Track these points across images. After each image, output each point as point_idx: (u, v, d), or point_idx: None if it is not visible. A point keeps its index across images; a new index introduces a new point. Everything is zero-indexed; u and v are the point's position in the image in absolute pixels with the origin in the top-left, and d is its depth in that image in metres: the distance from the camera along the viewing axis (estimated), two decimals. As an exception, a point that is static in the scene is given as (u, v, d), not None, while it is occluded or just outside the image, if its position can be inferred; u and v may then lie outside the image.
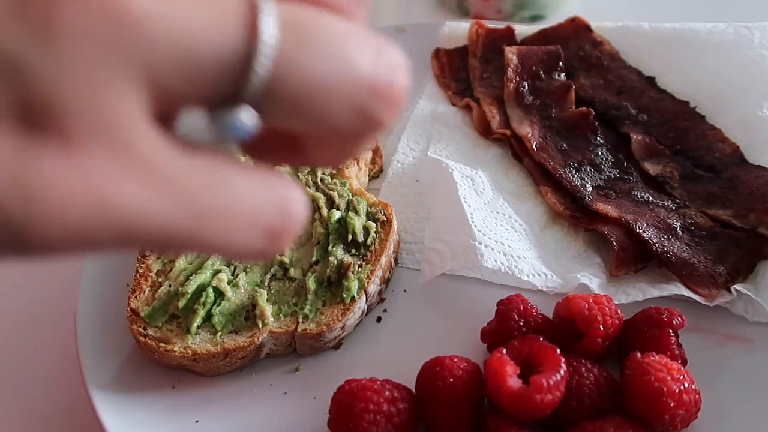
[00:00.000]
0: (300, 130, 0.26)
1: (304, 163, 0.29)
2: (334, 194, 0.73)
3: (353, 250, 0.69)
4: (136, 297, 0.66)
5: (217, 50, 0.21)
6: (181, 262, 0.68)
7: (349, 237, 0.69)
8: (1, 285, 0.77)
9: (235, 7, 0.22)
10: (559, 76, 0.88)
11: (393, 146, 0.85)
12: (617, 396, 0.57)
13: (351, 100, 0.24)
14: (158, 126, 0.22)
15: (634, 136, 0.80)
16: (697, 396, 0.56)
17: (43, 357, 0.70)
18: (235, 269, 0.69)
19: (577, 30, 0.93)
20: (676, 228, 0.70)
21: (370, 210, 0.73)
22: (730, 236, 0.69)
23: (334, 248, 0.69)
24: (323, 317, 0.65)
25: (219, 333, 0.64)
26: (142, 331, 0.64)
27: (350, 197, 0.73)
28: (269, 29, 0.22)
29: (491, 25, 0.96)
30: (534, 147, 0.80)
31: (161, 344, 0.63)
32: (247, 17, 0.22)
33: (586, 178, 0.77)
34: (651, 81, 0.87)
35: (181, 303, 0.65)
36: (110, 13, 0.20)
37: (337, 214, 0.71)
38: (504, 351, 0.57)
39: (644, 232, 0.69)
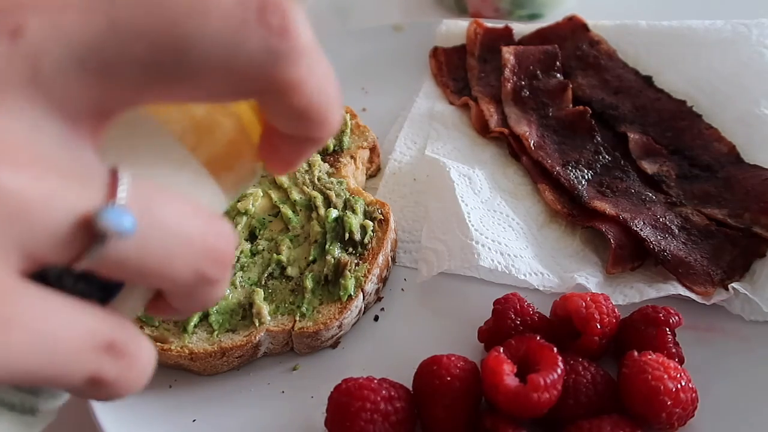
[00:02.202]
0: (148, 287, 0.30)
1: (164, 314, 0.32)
2: (332, 193, 0.73)
3: (350, 249, 0.69)
4: (133, 296, 0.66)
5: (71, 222, 0.24)
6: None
7: (346, 236, 0.69)
8: None
9: (91, 189, 0.25)
10: (556, 75, 0.88)
11: (390, 145, 0.85)
12: (614, 394, 0.57)
13: (189, 264, 0.28)
14: (27, 279, 0.24)
15: (631, 136, 0.81)
16: (693, 394, 0.56)
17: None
18: (232, 268, 0.69)
19: (574, 29, 0.93)
20: (673, 226, 0.71)
21: (367, 209, 0.73)
22: (726, 235, 0.70)
23: (331, 247, 0.69)
24: (320, 316, 0.65)
25: (216, 332, 0.64)
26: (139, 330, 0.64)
27: (347, 196, 0.73)
28: (119, 215, 0.25)
29: (489, 24, 0.96)
30: (531, 145, 0.80)
31: (158, 343, 0.63)
32: (103, 194, 0.25)
33: (583, 177, 0.77)
34: (648, 80, 0.87)
35: (178, 302, 0.64)
36: None
37: (334, 213, 0.71)
38: (501, 350, 0.57)
39: (641, 230, 0.69)
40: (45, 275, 0.25)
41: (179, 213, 0.27)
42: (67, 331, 0.25)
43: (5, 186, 0.23)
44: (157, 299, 0.31)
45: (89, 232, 0.24)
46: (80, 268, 0.25)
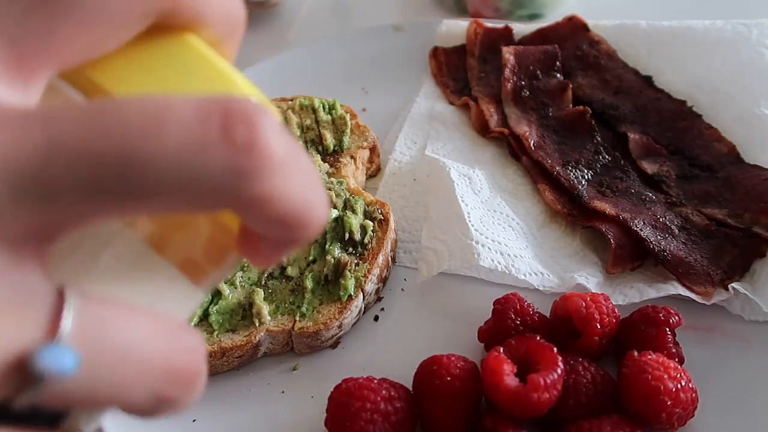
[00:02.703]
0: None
1: None
2: (332, 193, 0.73)
3: (350, 249, 0.69)
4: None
5: (4, 363, 0.22)
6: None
7: (347, 236, 0.69)
8: None
9: (31, 321, 0.23)
10: (556, 75, 0.88)
11: (390, 145, 0.85)
12: (614, 394, 0.57)
13: (147, 387, 0.26)
14: None
15: (632, 136, 0.81)
16: (693, 394, 0.56)
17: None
18: (232, 268, 0.69)
19: (574, 29, 0.93)
20: (673, 226, 0.71)
21: (367, 209, 0.73)
22: (726, 235, 0.70)
23: (331, 247, 0.69)
24: (320, 316, 0.65)
25: (216, 332, 0.64)
26: None
27: (347, 196, 0.73)
28: (58, 355, 0.23)
29: (489, 24, 0.96)
30: (532, 145, 0.80)
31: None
32: (44, 326, 0.23)
33: (583, 177, 0.77)
34: (648, 80, 0.87)
35: (178, 302, 0.64)
36: None
37: (334, 213, 0.71)
38: (501, 350, 0.57)
39: (641, 230, 0.69)
40: None
41: (137, 334, 0.25)
42: None
43: None
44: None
45: (25, 373, 0.23)
46: (18, 406, 0.24)
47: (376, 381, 0.57)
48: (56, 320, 0.23)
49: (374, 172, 0.84)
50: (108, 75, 0.29)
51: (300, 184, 0.26)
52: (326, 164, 0.78)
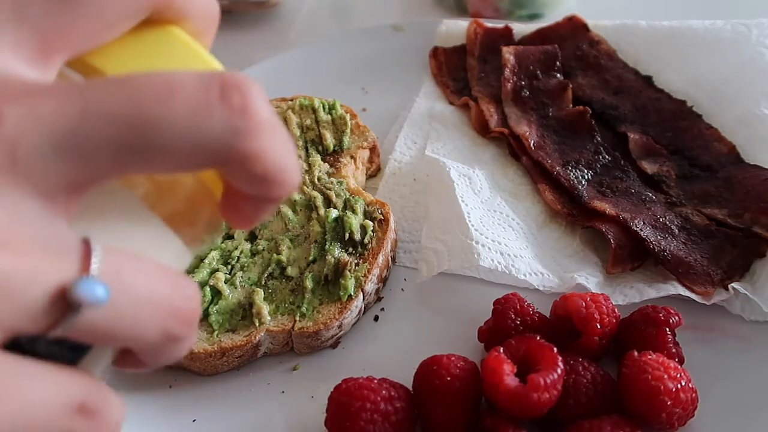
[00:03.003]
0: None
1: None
2: (332, 193, 0.73)
3: (350, 249, 0.69)
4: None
5: (47, 295, 0.26)
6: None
7: (346, 236, 0.69)
8: None
9: (66, 262, 0.26)
10: (556, 75, 0.88)
11: (390, 145, 0.85)
12: (614, 394, 0.57)
13: (158, 324, 0.29)
14: (2, 351, 0.26)
15: (632, 136, 0.81)
16: (693, 394, 0.56)
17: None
18: (232, 268, 0.69)
19: (574, 29, 0.93)
20: (673, 226, 0.71)
21: (367, 209, 0.73)
22: (726, 235, 0.70)
23: (331, 247, 0.69)
24: (320, 315, 0.65)
25: (216, 332, 0.64)
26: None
27: (347, 196, 0.73)
28: (92, 286, 0.26)
29: (489, 24, 0.96)
30: (532, 145, 0.80)
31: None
32: (77, 266, 0.27)
33: (583, 177, 0.77)
34: (648, 80, 0.87)
35: (178, 302, 0.64)
36: None
37: (334, 213, 0.71)
38: (501, 350, 0.57)
39: (641, 230, 0.69)
40: (17, 340, 0.27)
41: (148, 278, 0.29)
42: (42, 399, 0.27)
43: None
44: (124, 354, 0.33)
45: (64, 304, 0.26)
46: (54, 336, 0.27)
47: (376, 381, 0.57)
48: (86, 261, 0.27)
49: (374, 172, 0.84)
50: (106, 61, 0.33)
51: (281, 146, 0.31)
52: (326, 164, 0.78)
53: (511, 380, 0.55)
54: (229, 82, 0.29)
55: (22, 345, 0.27)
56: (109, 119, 0.27)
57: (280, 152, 0.31)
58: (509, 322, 0.62)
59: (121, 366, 0.34)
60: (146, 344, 0.30)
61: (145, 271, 0.29)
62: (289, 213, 0.72)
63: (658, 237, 0.69)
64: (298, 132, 0.81)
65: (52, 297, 0.26)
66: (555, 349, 0.56)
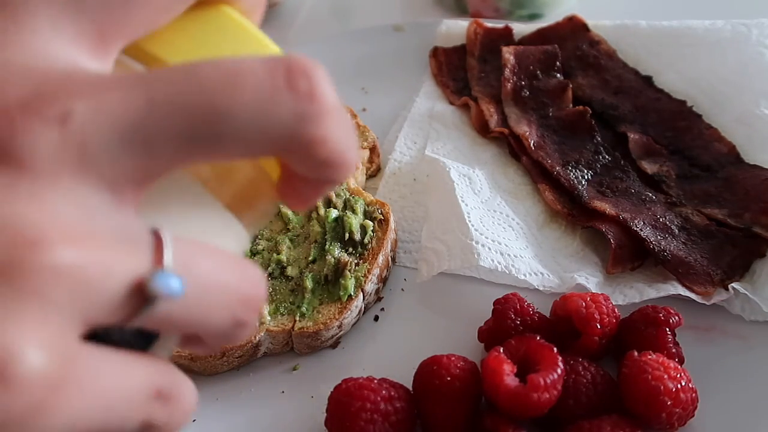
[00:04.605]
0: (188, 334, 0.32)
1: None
2: (331, 193, 0.73)
3: (350, 249, 0.69)
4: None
5: (125, 288, 0.26)
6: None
7: (346, 235, 0.69)
8: None
9: (139, 254, 0.26)
10: (556, 75, 0.88)
11: (390, 145, 0.85)
12: (614, 394, 0.57)
13: (228, 311, 0.30)
14: (84, 342, 0.26)
15: (631, 136, 0.81)
16: (694, 394, 0.56)
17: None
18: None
19: (574, 29, 0.93)
20: (673, 226, 0.71)
21: (367, 209, 0.73)
22: (726, 235, 0.70)
23: (331, 247, 0.69)
24: (320, 315, 0.65)
25: (216, 332, 0.64)
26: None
27: (347, 196, 0.73)
28: (168, 279, 0.27)
29: (489, 24, 0.96)
30: (532, 145, 0.80)
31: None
32: (150, 258, 0.27)
33: (583, 177, 0.77)
34: (648, 80, 0.87)
35: (178, 302, 0.65)
36: (51, 272, 0.24)
37: (334, 213, 0.71)
38: (501, 350, 0.57)
39: (641, 230, 0.69)
40: (93, 330, 0.27)
41: (217, 267, 0.29)
42: (122, 386, 0.27)
43: (66, 263, 0.24)
44: (190, 338, 0.33)
45: (141, 296, 0.26)
46: (131, 327, 0.27)
47: (376, 381, 0.57)
48: (159, 254, 0.27)
49: (374, 172, 0.84)
50: (163, 46, 0.32)
51: (345, 129, 0.30)
52: (326, 164, 0.78)
53: (511, 380, 0.55)
54: (295, 67, 0.28)
55: (97, 334, 0.27)
56: (176, 110, 0.27)
57: (344, 135, 0.30)
58: (509, 322, 0.62)
59: (186, 348, 0.34)
60: (216, 330, 0.30)
61: (214, 260, 0.29)
62: (289, 213, 0.72)
63: (658, 237, 0.69)
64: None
65: (129, 290, 0.26)
66: (555, 349, 0.56)
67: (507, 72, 0.88)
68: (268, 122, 0.28)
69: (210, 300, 0.29)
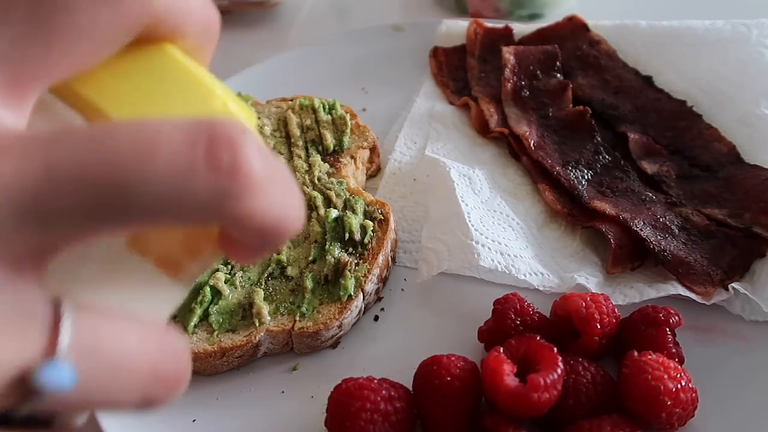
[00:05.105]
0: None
1: None
2: (331, 193, 0.73)
3: (350, 249, 0.69)
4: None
5: (8, 378, 0.24)
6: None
7: (346, 236, 0.69)
8: None
9: (31, 338, 0.24)
10: (556, 75, 0.88)
11: (390, 145, 0.85)
12: (614, 394, 0.57)
13: (137, 390, 0.27)
14: None
15: (632, 136, 0.81)
16: (693, 394, 0.56)
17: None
18: (232, 268, 0.69)
19: (574, 29, 0.93)
20: (673, 226, 0.71)
21: (367, 209, 0.73)
22: (726, 235, 0.70)
23: (331, 247, 0.69)
24: (320, 316, 0.65)
25: (216, 332, 0.64)
26: None
27: (347, 196, 0.73)
28: (58, 371, 0.24)
29: (489, 24, 0.96)
30: (532, 145, 0.80)
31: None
32: (43, 342, 0.24)
33: (583, 177, 0.77)
34: (648, 80, 0.88)
35: (178, 302, 0.64)
36: None
37: (334, 213, 0.71)
38: (501, 350, 0.57)
39: (641, 230, 0.69)
40: None
41: (127, 343, 0.27)
42: None
43: None
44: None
45: (26, 387, 0.24)
46: (18, 415, 0.25)
47: (376, 381, 0.57)
48: (54, 336, 0.24)
49: (374, 172, 0.84)
50: (93, 88, 0.30)
51: (278, 199, 0.28)
52: (326, 164, 0.78)
53: (511, 380, 0.55)
54: (218, 136, 0.25)
55: None
56: (77, 182, 0.24)
57: (278, 205, 0.28)
58: (509, 322, 0.62)
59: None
60: (123, 408, 0.28)
61: (124, 334, 0.27)
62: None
63: (658, 237, 0.69)
64: (298, 132, 0.81)
65: (13, 381, 0.24)
66: (555, 349, 0.56)
67: (507, 72, 0.88)
68: (184, 199, 0.25)
69: (114, 381, 0.27)
